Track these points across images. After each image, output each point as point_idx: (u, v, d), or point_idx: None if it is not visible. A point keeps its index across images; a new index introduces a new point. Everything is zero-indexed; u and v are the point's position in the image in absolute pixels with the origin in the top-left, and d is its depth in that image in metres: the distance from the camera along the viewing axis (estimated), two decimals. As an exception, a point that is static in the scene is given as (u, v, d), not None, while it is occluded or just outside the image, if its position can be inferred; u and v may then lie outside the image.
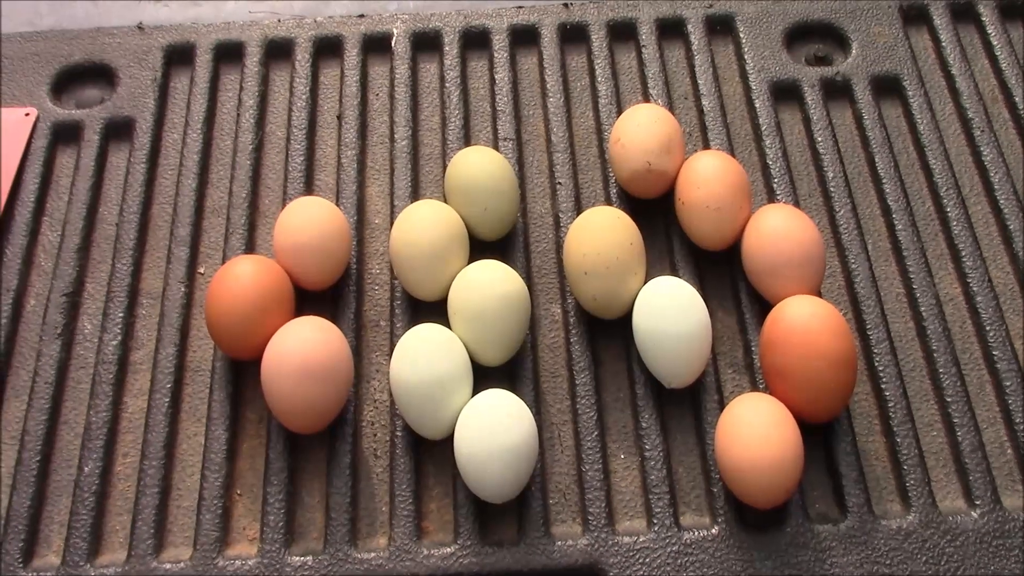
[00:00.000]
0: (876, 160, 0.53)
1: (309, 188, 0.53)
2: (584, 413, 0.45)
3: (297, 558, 0.42)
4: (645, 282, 0.46)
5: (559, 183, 0.52)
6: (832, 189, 0.52)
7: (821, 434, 0.44)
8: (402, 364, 0.44)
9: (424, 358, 0.44)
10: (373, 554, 0.42)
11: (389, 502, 0.44)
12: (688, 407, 0.46)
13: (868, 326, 0.47)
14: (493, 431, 0.42)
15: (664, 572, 0.41)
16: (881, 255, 0.50)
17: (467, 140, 0.54)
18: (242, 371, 0.47)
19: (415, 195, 0.52)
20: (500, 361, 0.46)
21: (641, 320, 0.45)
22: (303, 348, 0.43)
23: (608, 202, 0.52)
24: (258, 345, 0.45)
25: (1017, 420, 0.45)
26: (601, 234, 0.46)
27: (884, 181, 0.52)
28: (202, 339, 0.48)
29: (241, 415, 0.46)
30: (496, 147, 0.54)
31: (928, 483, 0.43)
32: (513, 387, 0.46)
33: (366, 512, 0.44)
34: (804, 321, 0.43)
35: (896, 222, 0.50)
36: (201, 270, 0.50)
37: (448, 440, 0.43)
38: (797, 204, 0.51)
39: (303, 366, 0.43)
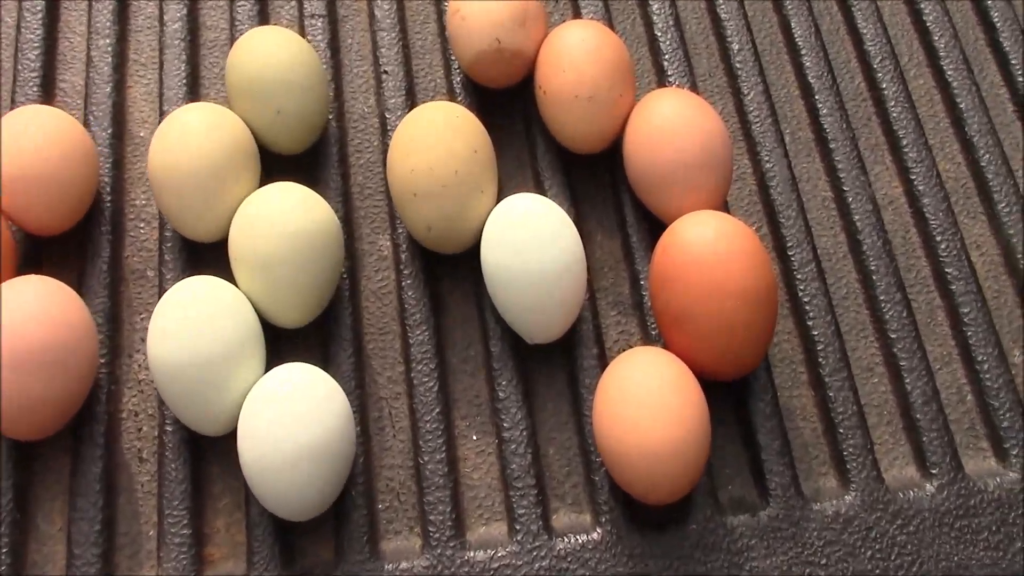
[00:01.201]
0: (792, 25, 0.41)
1: (48, 93, 0.39)
2: (422, 382, 0.34)
3: (26, 614, 0.31)
4: (497, 202, 0.34)
5: (385, 72, 0.39)
6: (738, 66, 0.40)
7: (732, 393, 0.34)
8: (161, 336, 0.31)
9: (191, 326, 0.31)
10: (133, 600, 0.31)
11: (158, 522, 0.32)
12: (559, 367, 0.35)
13: (788, 244, 0.36)
14: (286, 425, 0.30)
15: (531, 596, 0.31)
16: (802, 149, 0.39)
17: (263, 19, 0.41)
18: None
19: (193, 96, 0.39)
20: (303, 321, 0.34)
21: (491, 255, 0.33)
22: (14, 326, 0.31)
23: (450, 94, 0.39)
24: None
25: (978, 356, 0.35)
26: (434, 140, 0.34)
27: (803, 52, 0.40)
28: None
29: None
30: (301, 28, 0.40)
31: (870, 449, 0.33)
32: (325, 354, 0.34)
33: (126, 538, 0.32)
34: (706, 245, 0.32)
35: (819, 105, 0.39)
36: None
37: (236, 434, 0.32)
38: (694, 88, 0.40)
39: (17, 351, 0.30)
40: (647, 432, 0.30)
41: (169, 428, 0.33)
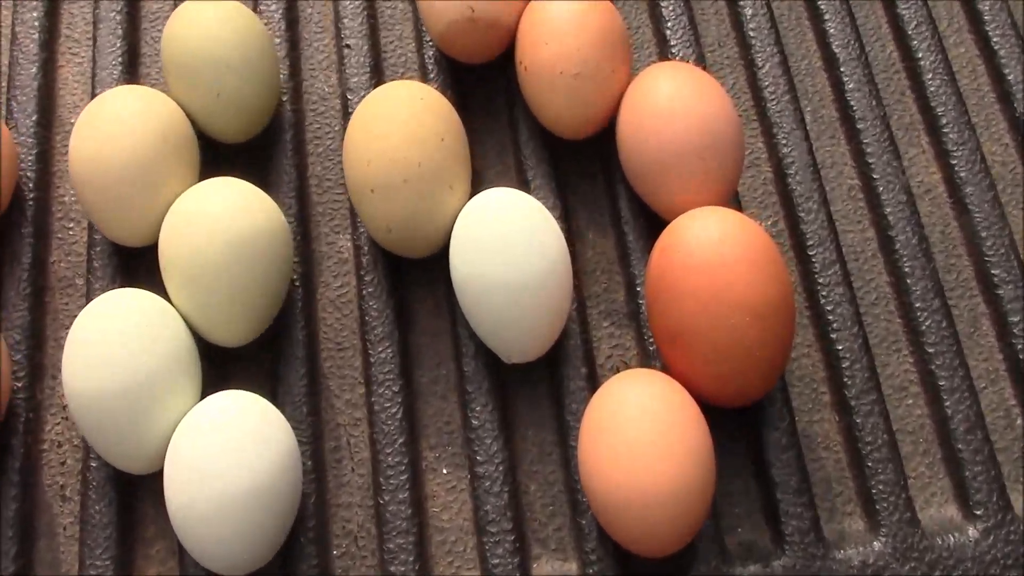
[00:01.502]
0: (815, -13, 0.36)
1: (-32, 74, 0.35)
2: (384, 407, 0.29)
3: None
4: (471, 198, 0.30)
5: (348, 46, 0.35)
6: (752, 34, 0.35)
7: (741, 418, 0.29)
8: (76, 360, 0.27)
9: (111, 347, 0.27)
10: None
11: (79, 569, 0.28)
12: (542, 390, 0.30)
13: (809, 242, 0.32)
14: (217, 464, 0.26)
15: (506, 661, 0.26)
16: (825, 130, 0.34)
17: (212, -13, 0.36)
18: None
19: (131, 77, 0.34)
20: (245, 339, 0.29)
21: (460, 261, 0.29)
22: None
23: (422, 71, 0.35)
24: None
25: (1030, 373, 0.30)
26: (394, 126, 0.29)
27: (827, 17, 0.35)
28: None
29: None
30: (254, -4, 0.36)
31: (904, 484, 0.29)
32: (273, 374, 0.30)
33: (44, 591, 0.28)
34: (710, 248, 0.27)
35: (845, 79, 0.34)
36: None
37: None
38: (701, 60, 0.34)
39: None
40: (640, 472, 0.25)
41: (95, 462, 0.29)
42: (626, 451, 0.26)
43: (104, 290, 0.31)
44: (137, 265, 0.31)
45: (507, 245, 0.28)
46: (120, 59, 0.34)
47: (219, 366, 0.30)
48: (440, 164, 0.29)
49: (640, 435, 0.26)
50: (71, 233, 0.32)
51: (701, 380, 0.28)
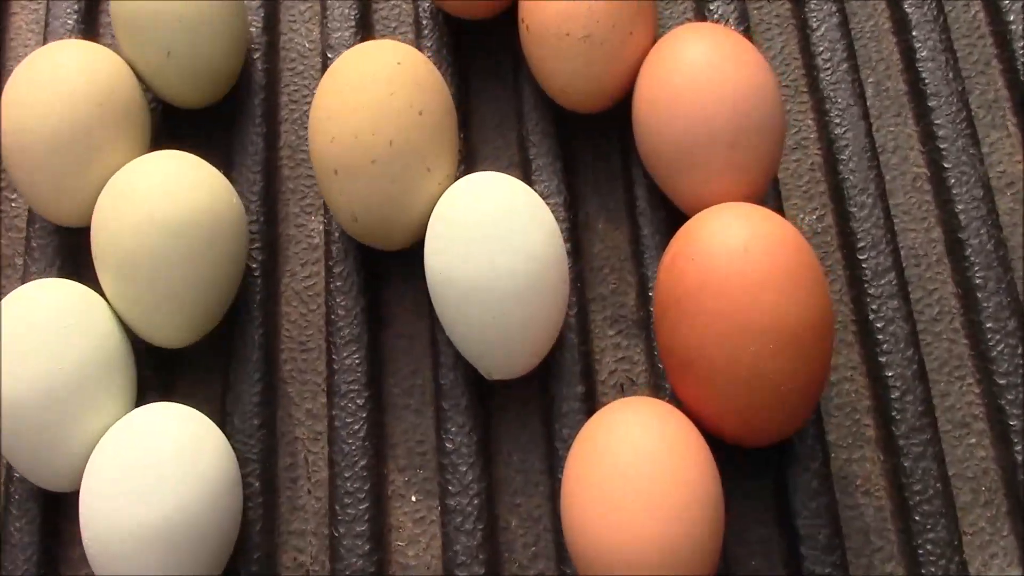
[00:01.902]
0: (886, -67, 0.30)
1: (-87, 21, 0.31)
2: (345, 423, 0.25)
3: None
4: (456, 180, 0.25)
5: (333, -4, 0.30)
6: (807, -11, 0.29)
7: (764, 454, 0.25)
8: (-12, 361, 0.24)
9: (29, 348, 0.23)
10: None
11: (-4, 599, 0.25)
12: (530, 410, 0.26)
13: (860, 243, 0.26)
14: (139, 488, 0.22)
15: None
16: (889, 106, 0.29)
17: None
18: None
19: (88, 28, 0.30)
20: (187, 339, 0.25)
21: (436, 259, 0.24)
22: None
23: (415, 27, 0.30)
24: None
25: (1124, 413, 0.25)
26: (363, 96, 0.24)
27: (899, -29, 0.30)
28: None
29: None
30: (232, -65, 0.31)
31: (958, 542, 0.24)
32: (224, 379, 0.26)
33: (-43, 618, 0.25)
34: (733, 258, 0.22)
35: (917, 44, 0.29)
36: None
37: (92, 489, 0.24)
38: (744, 18, 0.29)
39: None
40: (626, 528, 0.21)
41: (16, 475, 0.25)
42: (613, 501, 0.21)
43: (42, 274, 0.27)
44: (77, 246, 0.27)
45: (491, 241, 0.23)
46: (76, 8, 0.30)
47: (160, 370, 0.26)
48: (416, 142, 0.25)
49: (631, 483, 0.21)
50: (14, 206, 0.29)
51: (715, 415, 0.23)
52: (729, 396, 0.22)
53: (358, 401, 0.26)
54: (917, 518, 0.24)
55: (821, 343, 0.22)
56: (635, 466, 0.21)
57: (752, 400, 0.22)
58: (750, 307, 0.22)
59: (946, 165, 0.27)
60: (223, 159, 0.28)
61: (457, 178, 0.25)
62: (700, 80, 0.25)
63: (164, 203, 0.24)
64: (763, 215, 0.23)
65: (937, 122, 0.28)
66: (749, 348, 0.22)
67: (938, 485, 0.24)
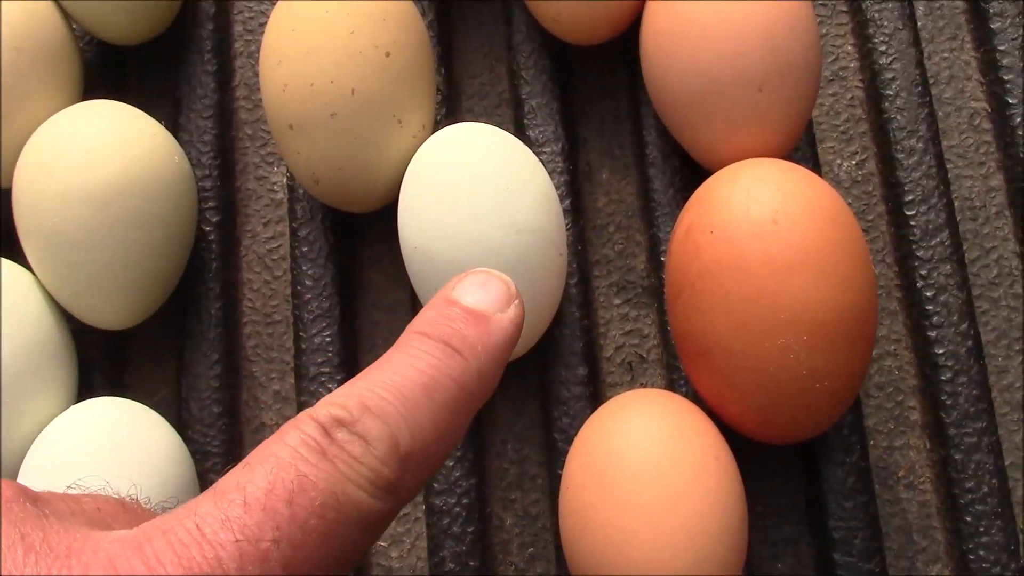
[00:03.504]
0: None
1: None
2: (317, 410, 0.22)
3: None
4: (433, 133, 0.22)
5: (293, -96, 0.26)
6: None
7: (795, 450, 0.21)
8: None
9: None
10: None
11: (-65, 609, 0.22)
12: (526, 395, 0.23)
13: (908, 196, 0.23)
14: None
15: None
16: (943, 29, 0.24)
17: None
18: None
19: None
20: (129, 320, 0.22)
21: (410, 227, 0.21)
22: None
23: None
24: None
25: None
26: (320, 36, 0.21)
27: None
28: None
29: None
30: None
31: (1015, 547, 0.21)
32: (179, 363, 0.23)
33: None
34: (759, 231, 0.19)
35: (979, -48, 0.24)
36: None
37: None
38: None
39: None
40: (633, 544, 0.18)
41: (-50, 470, 0.23)
42: (618, 512, 0.18)
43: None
44: (8, 213, 0.24)
45: (474, 205, 0.20)
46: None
47: (105, 353, 0.23)
48: (383, 90, 0.21)
49: (638, 491, 0.18)
50: (-62, 159, 0.25)
51: (736, 411, 0.20)
52: (752, 393, 0.19)
53: (331, 383, 0.22)
54: (968, 519, 0.21)
55: (863, 333, 0.19)
56: (640, 472, 0.18)
57: (779, 399, 0.19)
58: (778, 291, 0.18)
59: (1010, 100, 0.23)
60: (169, 103, 0.24)
61: (435, 130, 0.22)
62: (721, 9, 0.21)
63: (93, 164, 0.21)
64: (797, 176, 0.19)
65: (1001, 48, 0.24)
66: (777, 340, 0.18)
67: (994, 481, 0.21)
